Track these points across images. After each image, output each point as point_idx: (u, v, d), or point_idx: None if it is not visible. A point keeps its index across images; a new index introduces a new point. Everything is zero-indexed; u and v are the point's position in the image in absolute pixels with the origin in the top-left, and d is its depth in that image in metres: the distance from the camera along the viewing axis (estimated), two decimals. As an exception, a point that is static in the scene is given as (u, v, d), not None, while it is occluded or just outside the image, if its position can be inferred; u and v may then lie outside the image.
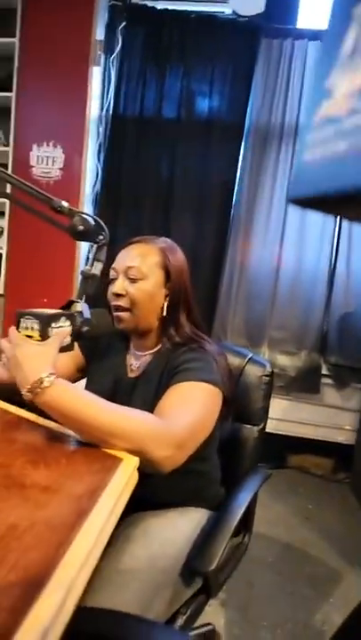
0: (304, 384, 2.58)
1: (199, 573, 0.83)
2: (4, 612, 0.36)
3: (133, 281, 0.97)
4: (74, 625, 0.51)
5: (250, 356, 1.26)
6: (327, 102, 0.15)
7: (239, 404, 1.22)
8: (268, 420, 2.59)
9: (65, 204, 0.85)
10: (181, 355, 0.95)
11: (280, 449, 2.68)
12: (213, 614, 1.50)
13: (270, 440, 2.60)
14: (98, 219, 0.88)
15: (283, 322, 2.55)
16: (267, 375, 1.24)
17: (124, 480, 0.61)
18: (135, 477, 0.67)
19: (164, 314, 0.99)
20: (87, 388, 1.06)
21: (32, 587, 0.39)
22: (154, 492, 0.92)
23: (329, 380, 2.60)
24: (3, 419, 0.83)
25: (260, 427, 1.24)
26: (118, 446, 0.71)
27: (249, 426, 1.23)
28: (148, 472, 0.73)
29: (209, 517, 1.00)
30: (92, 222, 0.87)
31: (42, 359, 0.73)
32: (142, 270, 0.96)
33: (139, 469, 0.70)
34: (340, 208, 0.15)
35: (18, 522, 0.49)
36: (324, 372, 2.58)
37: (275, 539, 1.97)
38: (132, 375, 1.03)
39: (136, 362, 1.04)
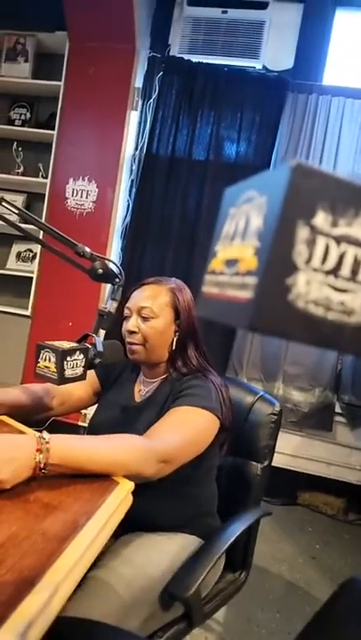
0: (317, 421, 2.59)
1: (176, 598, 0.86)
2: (-1, 604, 0.44)
3: (146, 319, 1.06)
4: (55, 632, 0.59)
5: (260, 394, 1.30)
6: (214, 260, 0.24)
7: (245, 440, 1.26)
8: (280, 456, 2.62)
9: (87, 249, 0.96)
10: (185, 382, 1.05)
11: (291, 485, 2.67)
12: (209, 647, 1.52)
13: (281, 476, 2.62)
14: (117, 264, 0.98)
15: (298, 358, 2.59)
16: (275, 414, 1.25)
17: (117, 501, 0.69)
18: (129, 500, 0.74)
19: (174, 347, 1.08)
20: (97, 413, 1.15)
21: (24, 586, 0.46)
22: (147, 514, 0.99)
23: (342, 419, 2.59)
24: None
25: (265, 464, 1.26)
26: (116, 475, 0.80)
27: (254, 463, 1.25)
28: (141, 483, 0.81)
29: (198, 545, 1.05)
30: (112, 267, 0.98)
31: (18, 438, 0.76)
32: (154, 310, 1.06)
33: (134, 493, 0.77)
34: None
35: (18, 532, 0.57)
36: (337, 410, 2.58)
37: (278, 576, 1.96)
38: (138, 400, 1.12)
39: (145, 388, 1.14)
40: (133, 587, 0.87)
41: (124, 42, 2.65)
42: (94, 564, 0.91)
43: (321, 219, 0.18)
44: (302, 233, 0.18)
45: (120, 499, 0.71)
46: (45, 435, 0.74)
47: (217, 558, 0.91)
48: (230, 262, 0.22)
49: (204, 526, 1.09)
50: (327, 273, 0.19)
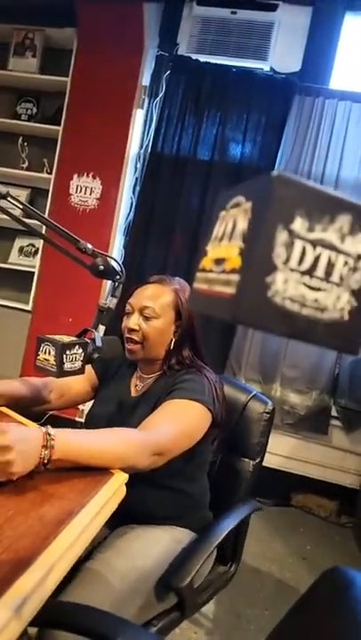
0: (313, 424, 2.61)
1: (172, 588, 0.89)
2: (-5, 581, 0.46)
3: (147, 319, 1.09)
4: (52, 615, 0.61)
5: (254, 392, 1.34)
6: (205, 258, 0.26)
7: (239, 438, 1.29)
8: (275, 457, 2.64)
9: (89, 246, 0.98)
10: (179, 376, 1.07)
11: (285, 487, 2.69)
12: (198, 641, 1.54)
13: (276, 477, 2.65)
14: (118, 261, 1.00)
15: (296, 360, 2.61)
16: (267, 412, 1.29)
17: (110, 492, 0.71)
18: (123, 491, 0.76)
19: (171, 347, 1.11)
20: (93, 407, 1.18)
21: (20, 565, 0.49)
22: (141, 506, 1.02)
23: (338, 422, 2.62)
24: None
25: (257, 461, 1.29)
26: (113, 468, 0.83)
27: (246, 459, 1.28)
28: (136, 477, 0.84)
29: (191, 538, 1.07)
30: (113, 263, 1.00)
31: (29, 431, 0.77)
32: (156, 310, 1.08)
33: (128, 485, 0.79)
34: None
35: (15, 516, 0.59)
36: (333, 413, 2.60)
37: (269, 574, 1.99)
38: (134, 395, 1.15)
39: (140, 383, 1.16)
40: (128, 578, 0.89)
41: (133, 40, 2.67)
42: (89, 556, 0.93)
43: (299, 224, 0.20)
44: (282, 236, 0.20)
45: (114, 489, 0.73)
46: (51, 430, 0.76)
47: (210, 551, 0.94)
48: (218, 261, 0.24)
49: (196, 519, 1.11)
50: (303, 273, 0.21)
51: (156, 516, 1.06)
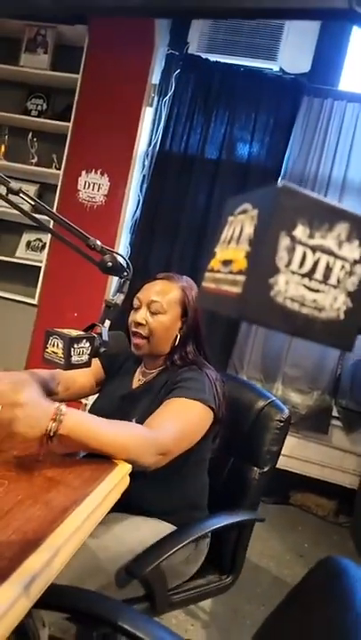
0: (314, 423, 2.63)
1: (132, 575, 0.90)
2: (5, 560, 0.48)
3: (154, 314, 1.11)
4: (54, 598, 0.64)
5: (272, 399, 1.29)
6: (213, 259, 0.28)
7: (249, 444, 1.26)
8: (274, 455, 2.63)
9: (98, 242, 1.00)
10: (181, 373, 1.09)
11: (284, 485, 2.71)
12: (194, 633, 1.57)
13: (275, 475, 2.65)
14: (126, 258, 1.02)
15: (298, 360, 2.63)
16: (281, 420, 1.25)
17: (114, 481, 0.74)
18: (126, 481, 0.79)
19: (176, 343, 1.13)
20: (97, 401, 1.20)
21: (28, 546, 0.51)
22: (135, 498, 1.03)
23: (338, 423, 2.63)
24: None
25: (264, 470, 1.25)
26: (117, 458, 0.85)
27: (254, 467, 1.24)
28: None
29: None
30: (120, 260, 1.02)
31: (43, 400, 0.79)
32: (163, 306, 1.11)
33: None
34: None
35: (24, 500, 0.62)
36: (334, 413, 2.62)
37: (266, 571, 2.01)
38: (136, 388, 1.17)
39: (143, 377, 1.19)
40: (96, 555, 0.92)
41: (143, 38, 2.68)
42: None
43: (300, 231, 0.22)
44: (284, 242, 0.22)
45: (117, 479, 0.76)
46: (63, 407, 0.77)
47: (181, 545, 0.94)
48: (226, 262, 0.26)
49: (188, 518, 1.11)
50: (303, 275, 0.23)
51: (148, 509, 1.08)
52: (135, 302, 1.15)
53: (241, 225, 0.25)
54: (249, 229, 0.24)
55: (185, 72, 2.73)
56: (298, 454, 2.68)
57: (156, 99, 2.79)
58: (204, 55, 2.72)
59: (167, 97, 2.77)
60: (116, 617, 0.66)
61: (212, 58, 2.69)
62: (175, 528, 1.09)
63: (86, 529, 0.61)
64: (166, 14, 0.55)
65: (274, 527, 2.41)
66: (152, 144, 2.83)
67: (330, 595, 0.48)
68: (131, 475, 0.84)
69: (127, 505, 1.04)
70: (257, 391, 1.35)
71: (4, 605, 0.41)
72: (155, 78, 2.79)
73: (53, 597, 0.65)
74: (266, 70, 2.64)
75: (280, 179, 2.61)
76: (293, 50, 2.65)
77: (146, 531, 1.04)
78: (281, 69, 2.63)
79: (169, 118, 2.76)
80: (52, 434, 0.74)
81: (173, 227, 2.73)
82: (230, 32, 2.72)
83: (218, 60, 2.68)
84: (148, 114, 2.80)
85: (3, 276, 3.04)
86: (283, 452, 2.61)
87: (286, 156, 2.59)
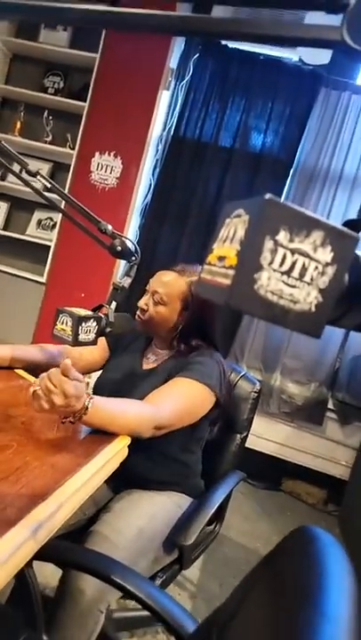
0: (309, 414, 2.69)
1: (177, 546, 1.03)
2: (15, 509, 0.55)
3: (156, 303, 1.16)
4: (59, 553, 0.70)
5: (243, 372, 1.44)
6: (211, 254, 0.32)
7: (230, 413, 1.37)
8: (270, 443, 2.72)
9: (110, 227, 1.04)
10: (194, 356, 1.15)
11: (277, 472, 2.79)
12: (181, 602, 1.65)
13: (268, 462, 2.74)
14: (135, 243, 1.07)
15: (298, 352, 2.68)
16: (255, 392, 1.40)
17: (114, 450, 0.81)
18: (125, 452, 0.85)
19: (178, 334, 1.17)
20: (102, 374, 1.26)
21: (36, 499, 0.57)
22: (145, 472, 1.13)
23: (333, 415, 2.69)
24: (28, 389, 1.03)
25: (244, 435, 1.40)
26: (121, 433, 0.92)
27: (235, 434, 1.39)
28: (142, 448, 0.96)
29: (190, 503, 1.19)
30: (130, 245, 1.06)
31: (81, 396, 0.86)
32: (164, 298, 1.15)
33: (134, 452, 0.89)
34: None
35: (31, 461, 0.68)
36: (329, 406, 2.68)
37: (252, 550, 2.10)
38: (146, 367, 1.22)
39: (153, 357, 1.24)
40: (143, 536, 1.01)
41: (164, 9, 2.66)
42: (95, 518, 1.04)
43: (282, 236, 0.27)
44: (268, 244, 0.27)
45: (117, 449, 0.82)
46: (90, 406, 0.84)
47: (211, 513, 1.08)
48: (221, 258, 0.31)
49: (191, 486, 1.22)
50: (282, 273, 0.28)
51: (157, 481, 1.16)
52: (148, 286, 1.20)
53: (235, 227, 0.30)
54: (241, 232, 0.29)
55: (203, 57, 2.73)
56: (292, 444, 2.75)
57: (173, 83, 2.79)
58: (223, 41, 2.71)
59: (184, 81, 2.77)
60: (110, 572, 0.72)
61: (231, 44, 2.68)
62: (187, 497, 1.19)
63: (87, 490, 0.67)
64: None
65: (264, 510, 2.49)
66: (167, 128, 2.83)
67: (302, 558, 0.53)
68: (138, 452, 0.92)
69: (137, 480, 1.14)
70: (229, 366, 1.43)
71: (15, 544, 0.47)
72: (173, 62, 2.78)
73: (54, 552, 0.72)
74: (285, 59, 2.63)
75: (291, 171, 2.62)
76: (314, 40, 2.63)
77: (170, 504, 1.13)
78: (300, 59, 2.61)
79: (185, 103, 2.77)
80: (73, 420, 0.81)
81: (183, 212, 2.76)
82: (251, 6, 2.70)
83: (237, 46, 2.67)
84: (164, 97, 2.80)
85: (13, 253, 3.09)
86: (277, 440, 2.72)
87: (300, 147, 2.60)
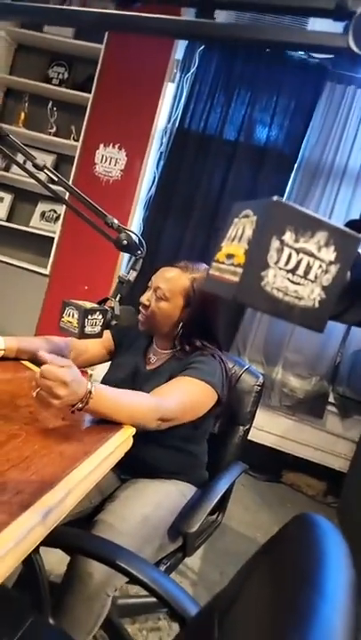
0: (310, 407, 2.71)
1: (182, 533, 1.05)
2: (26, 495, 0.57)
3: (158, 299, 1.17)
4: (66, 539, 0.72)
5: (247, 366, 1.45)
6: (219, 252, 0.34)
7: (233, 406, 1.40)
8: (271, 436, 2.75)
9: (115, 221, 1.06)
10: (196, 356, 1.16)
11: (277, 464, 2.82)
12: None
13: (269, 454, 2.77)
14: (140, 237, 1.08)
15: (300, 346, 2.69)
16: (258, 385, 1.42)
17: (120, 440, 0.83)
18: (130, 442, 0.87)
19: (180, 332, 1.19)
20: (108, 373, 1.28)
21: (45, 485, 0.60)
22: (152, 462, 1.15)
23: (334, 409, 2.72)
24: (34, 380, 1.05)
25: (247, 427, 1.42)
26: (125, 424, 0.94)
27: (237, 426, 1.41)
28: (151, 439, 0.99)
29: (194, 492, 1.22)
30: (135, 239, 1.08)
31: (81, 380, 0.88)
32: (165, 294, 1.16)
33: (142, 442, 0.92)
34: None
35: (40, 449, 0.70)
36: (330, 399, 2.70)
37: (253, 540, 2.13)
38: (149, 368, 1.24)
39: (154, 357, 1.25)
40: (148, 524, 1.04)
41: (170, 12, 2.65)
42: (101, 507, 1.07)
43: (288, 236, 0.29)
44: (275, 244, 0.29)
45: (122, 439, 0.84)
46: (92, 388, 0.85)
47: (215, 501, 1.11)
48: (229, 256, 0.32)
49: (196, 476, 1.25)
50: (288, 271, 0.29)
51: (163, 470, 1.18)
52: (150, 282, 1.21)
53: (243, 227, 0.31)
54: (249, 231, 0.30)
55: (209, 49, 2.71)
56: (293, 436, 2.78)
57: (178, 75, 2.78)
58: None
59: (189, 74, 2.76)
60: (115, 557, 0.75)
61: (237, 36, 2.67)
62: (192, 486, 1.22)
63: (94, 477, 0.70)
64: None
65: (264, 501, 2.52)
66: (171, 121, 2.83)
67: (302, 543, 0.55)
68: (146, 442, 0.95)
69: (144, 469, 1.17)
70: (232, 359, 1.47)
71: (25, 529, 0.50)
72: (178, 54, 2.77)
73: (61, 537, 0.74)
74: (290, 53, 2.62)
75: (295, 165, 2.62)
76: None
77: (175, 493, 1.16)
78: (306, 52, 2.59)
79: (190, 96, 2.76)
80: (75, 411, 0.83)
81: (187, 205, 2.76)
82: (257, 12, 2.68)
83: (243, 38, 2.65)
84: (169, 90, 2.79)
85: (16, 244, 3.09)
86: (278, 433, 2.74)
87: (304, 141, 2.60)
